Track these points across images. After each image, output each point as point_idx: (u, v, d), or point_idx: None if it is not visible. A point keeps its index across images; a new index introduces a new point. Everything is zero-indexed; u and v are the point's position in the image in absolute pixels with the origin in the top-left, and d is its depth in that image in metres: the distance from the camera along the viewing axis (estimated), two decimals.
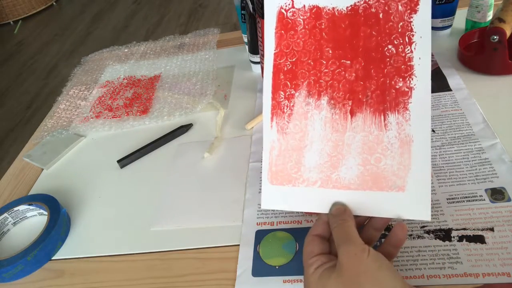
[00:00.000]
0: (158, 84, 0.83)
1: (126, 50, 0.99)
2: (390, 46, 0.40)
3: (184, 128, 0.70)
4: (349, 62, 0.41)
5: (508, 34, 0.61)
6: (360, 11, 0.41)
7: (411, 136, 0.39)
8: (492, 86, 0.63)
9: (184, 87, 0.80)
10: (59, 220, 0.55)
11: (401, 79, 0.40)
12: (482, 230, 0.45)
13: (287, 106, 0.43)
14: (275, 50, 0.43)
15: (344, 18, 0.41)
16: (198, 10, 2.88)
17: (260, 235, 0.50)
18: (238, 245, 0.49)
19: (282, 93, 0.43)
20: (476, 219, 0.46)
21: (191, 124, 0.71)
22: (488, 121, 0.57)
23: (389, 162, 0.40)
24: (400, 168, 0.39)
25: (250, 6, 0.71)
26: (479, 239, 0.44)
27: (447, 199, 0.49)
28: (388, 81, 0.40)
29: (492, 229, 0.45)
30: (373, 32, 0.40)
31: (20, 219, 0.60)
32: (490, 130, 0.55)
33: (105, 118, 0.77)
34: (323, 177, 0.42)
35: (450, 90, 0.64)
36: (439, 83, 0.65)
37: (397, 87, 0.40)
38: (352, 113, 0.41)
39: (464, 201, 0.48)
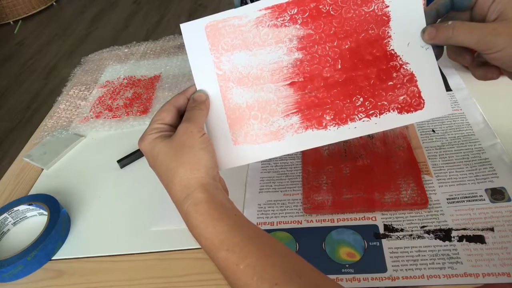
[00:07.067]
0: (158, 84, 0.83)
1: (126, 50, 0.99)
2: None
3: None
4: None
5: None
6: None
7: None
8: (492, 86, 0.63)
9: (184, 87, 0.80)
10: (59, 220, 0.55)
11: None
12: (482, 230, 0.45)
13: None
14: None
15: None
16: (198, 10, 2.88)
17: None
18: None
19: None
20: (476, 219, 0.46)
21: None
22: (488, 121, 0.57)
23: None
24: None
25: None
26: (479, 239, 0.44)
27: (447, 199, 0.49)
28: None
29: (492, 229, 0.45)
30: None
31: (20, 219, 0.60)
32: (490, 130, 0.55)
33: (105, 118, 0.77)
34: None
35: (450, 90, 0.64)
36: None
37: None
38: None
39: (464, 201, 0.48)
